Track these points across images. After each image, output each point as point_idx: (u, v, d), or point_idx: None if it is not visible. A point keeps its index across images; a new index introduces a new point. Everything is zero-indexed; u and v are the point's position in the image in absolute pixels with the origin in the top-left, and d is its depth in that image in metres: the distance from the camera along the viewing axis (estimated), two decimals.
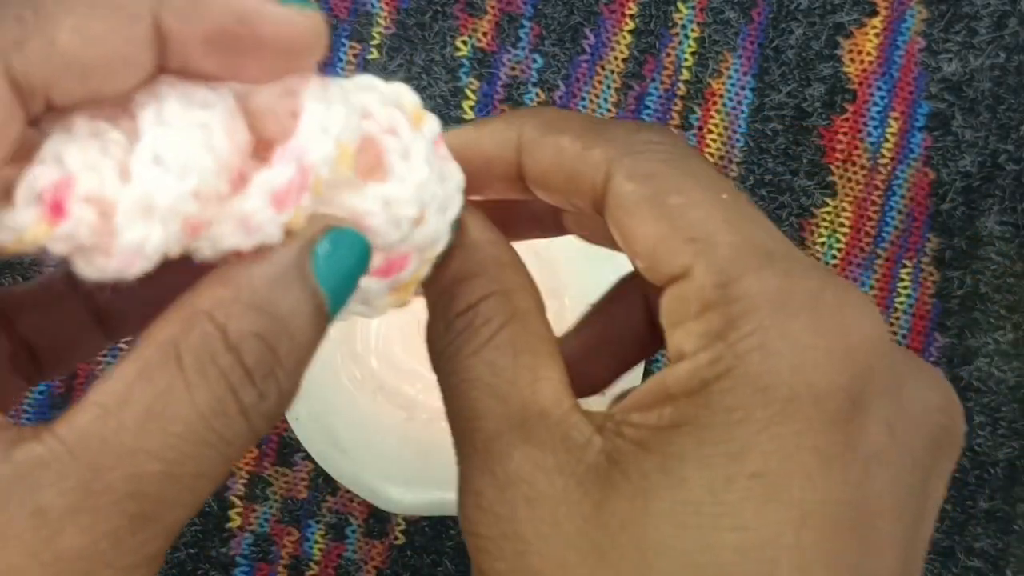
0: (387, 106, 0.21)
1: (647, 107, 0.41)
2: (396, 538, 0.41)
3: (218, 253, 0.17)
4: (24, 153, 0.17)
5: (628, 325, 0.25)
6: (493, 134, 0.22)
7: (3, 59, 0.16)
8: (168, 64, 0.17)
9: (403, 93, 0.21)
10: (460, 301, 0.21)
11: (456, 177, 0.21)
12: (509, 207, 0.24)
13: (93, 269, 0.17)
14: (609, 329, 0.25)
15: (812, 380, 0.18)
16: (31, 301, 0.22)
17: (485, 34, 0.41)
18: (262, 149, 0.18)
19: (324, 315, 0.19)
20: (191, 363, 0.17)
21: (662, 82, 0.41)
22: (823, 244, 0.40)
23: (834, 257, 0.40)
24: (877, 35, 0.40)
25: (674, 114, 0.41)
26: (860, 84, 0.40)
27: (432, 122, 0.21)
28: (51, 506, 0.16)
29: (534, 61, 0.41)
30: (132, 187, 0.16)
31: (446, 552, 0.40)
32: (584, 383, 0.26)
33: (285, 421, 0.39)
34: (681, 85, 0.41)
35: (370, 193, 0.19)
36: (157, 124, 0.17)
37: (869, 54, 0.40)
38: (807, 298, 0.19)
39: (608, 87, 0.41)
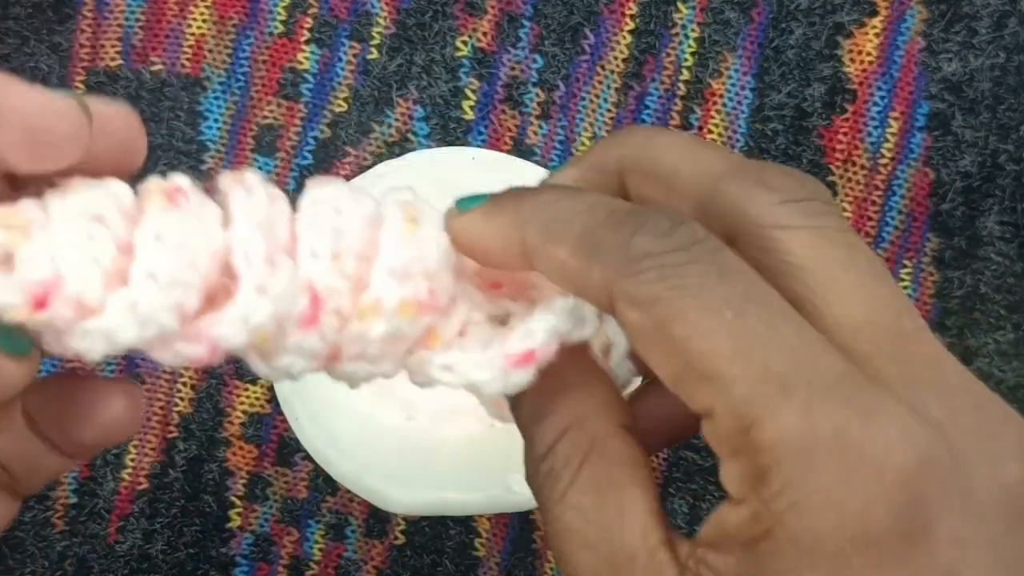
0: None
1: (647, 107, 0.41)
2: (396, 538, 0.41)
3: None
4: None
5: None
6: (498, 235, 0.21)
7: None
8: None
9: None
10: (539, 445, 0.21)
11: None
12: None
13: (59, 346, 0.19)
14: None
15: (855, 531, 0.17)
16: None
17: (485, 34, 0.41)
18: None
19: None
20: None
21: (662, 82, 0.41)
22: None
23: None
24: (877, 35, 0.40)
25: (674, 114, 0.41)
26: (860, 84, 0.40)
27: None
28: None
29: (534, 61, 0.41)
30: (122, 294, 0.18)
31: (446, 552, 0.40)
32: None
33: (285, 421, 0.39)
34: (681, 85, 0.41)
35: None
36: (155, 241, 0.19)
37: (869, 54, 0.40)
38: (831, 440, 0.17)
39: (608, 87, 0.41)
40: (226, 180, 0.21)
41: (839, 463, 0.17)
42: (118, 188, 0.20)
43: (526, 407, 0.21)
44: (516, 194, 0.21)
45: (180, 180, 0.20)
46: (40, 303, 0.18)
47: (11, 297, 0.18)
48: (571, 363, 0.21)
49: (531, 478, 0.21)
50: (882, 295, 0.19)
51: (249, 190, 0.20)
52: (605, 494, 0.20)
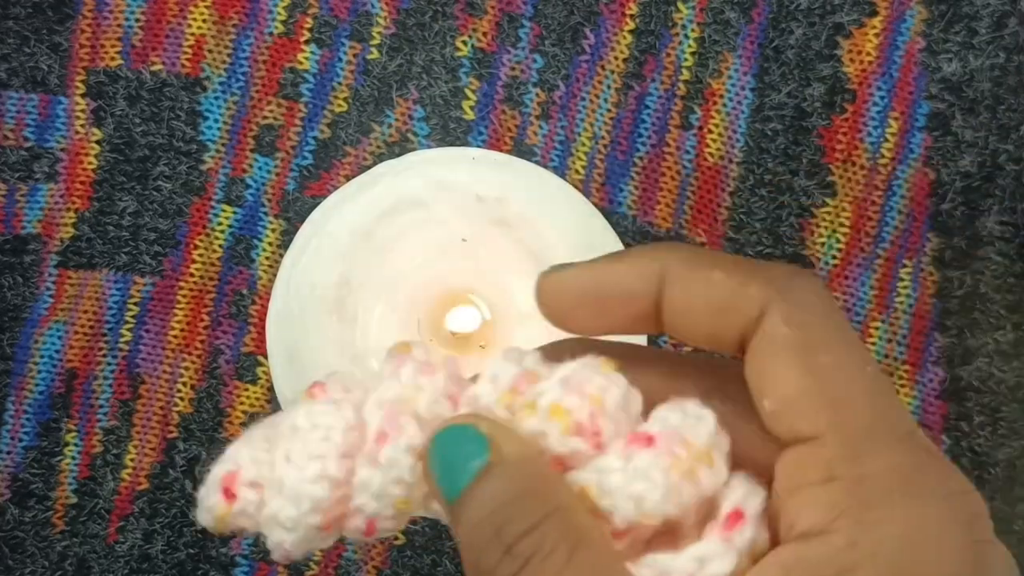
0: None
1: (647, 107, 0.41)
2: (396, 538, 0.41)
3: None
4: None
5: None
6: (633, 266, 0.21)
7: None
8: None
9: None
10: (518, 523, 0.19)
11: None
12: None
13: (270, 544, 0.22)
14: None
15: (946, 570, 0.18)
16: None
17: (485, 34, 0.41)
18: None
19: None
20: None
21: (662, 82, 0.41)
22: (823, 244, 0.40)
23: (834, 257, 0.40)
24: (877, 35, 0.40)
25: (674, 114, 0.41)
26: (860, 84, 0.40)
27: None
28: None
29: (534, 61, 0.41)
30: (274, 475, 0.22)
31: (446, 552, 0.40)
32: None
33: None
34: (681, 85, 0.41)
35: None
36: (291, 432, 0.22)
37: (869, 54, 0.40)
38: (936, 483, 0.19)
39: (608, 87, 0.41)
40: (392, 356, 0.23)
41: (941, 505, 0.19)
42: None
43: (496, 485, 0.20)
44: (644, 245, 0.22)
45: (325, 378, 0.23)
46: (228, 493, 0.22)
47: (211, 499, 0.22)
48: (542, 459, 0.21)
49: (494, 564, 0.20)
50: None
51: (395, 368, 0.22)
52: None
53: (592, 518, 0.20)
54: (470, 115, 0.41)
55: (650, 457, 0.20)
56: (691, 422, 0.20)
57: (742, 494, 0.20)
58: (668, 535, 0.20)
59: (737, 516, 0.20)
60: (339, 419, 0.21)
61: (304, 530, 0.21)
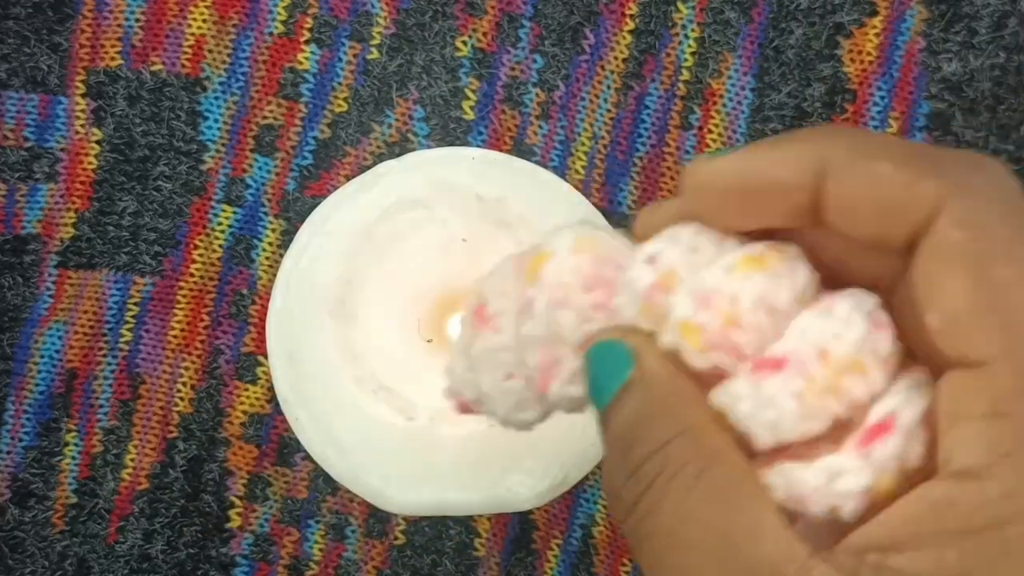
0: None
1: (647, 107, 0.41)
2: (396, 538, 0.41)
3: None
4: None
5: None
6: (789, 155, 0.19)
7: None
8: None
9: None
10: (646, 443, 0.19)
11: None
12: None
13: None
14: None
15: None
16: None
17: (485, 34, 0.41)
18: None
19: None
20: None
21: (662, 82, 0.41)
22: None
23: None
24: (877, 35, 0.40)
25: (674, 114, 0.41)
26: (860, 84, 0.40)
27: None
28: None
29: (534, 61, 0.41)
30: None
31: (446, 552, 0.40)
32: None
33: (285, 421, 0.39)
34: (681, 85, 0.41)
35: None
36: (477, 358, 0.23)
37: (869, 54, 0.40)
38: None
39: (608, 87, 0.41)
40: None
41: None
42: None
43: (631, 403, 0.19)
44: (801, 131, 0.20)
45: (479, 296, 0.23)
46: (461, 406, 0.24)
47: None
48: (683, 377, 0.20)
49: (620, 485, 0.19)
50: None
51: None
52: (732, 507, 0.18)
53: (727, 437, 0.19)
54: (470, 115, 0.41)
55: (778, 383, 0.18)
56: (836, 329, 0.19)
57: (897, 402, 0.18)
58: (830, 438, 0.19)
59: (882, 428, 0.18)
60: (506, 345, 0.22)
61: (518, 411, 0.22)
